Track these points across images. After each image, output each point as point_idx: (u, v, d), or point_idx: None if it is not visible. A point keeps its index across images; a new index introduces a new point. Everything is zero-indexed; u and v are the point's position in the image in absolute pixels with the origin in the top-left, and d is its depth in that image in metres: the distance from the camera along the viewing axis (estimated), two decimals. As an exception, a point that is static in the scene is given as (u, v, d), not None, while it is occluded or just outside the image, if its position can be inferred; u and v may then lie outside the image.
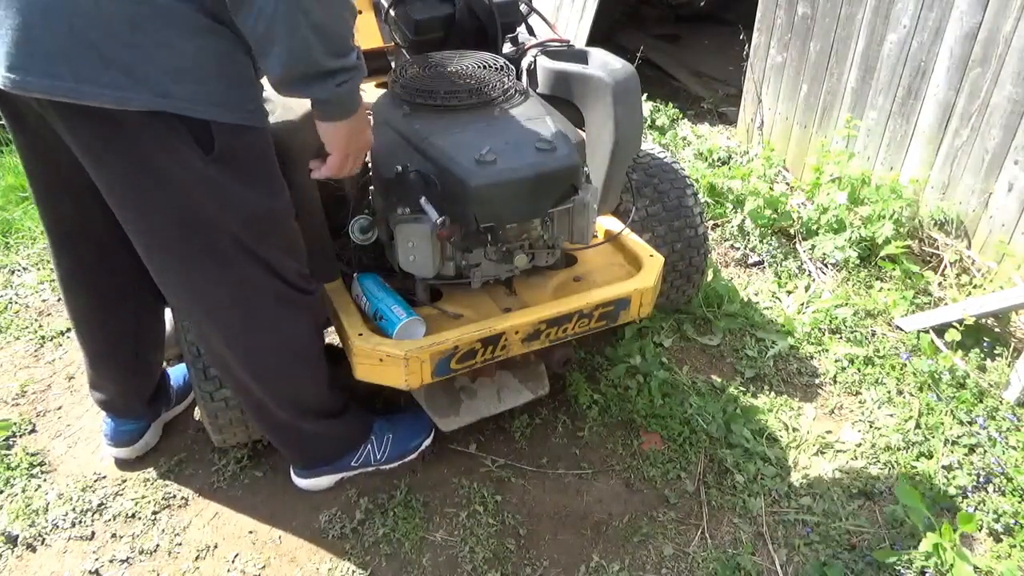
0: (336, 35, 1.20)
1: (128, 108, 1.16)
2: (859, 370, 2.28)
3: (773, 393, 2.20)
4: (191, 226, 1.33)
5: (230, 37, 1.21)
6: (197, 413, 2.04)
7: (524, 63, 1.94)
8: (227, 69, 1.23)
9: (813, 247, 2.84)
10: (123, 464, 1.90)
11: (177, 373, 2.06)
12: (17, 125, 1.38)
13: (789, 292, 2.68)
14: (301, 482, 1.83)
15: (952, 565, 1.60)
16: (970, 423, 2.07)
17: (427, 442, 1.89)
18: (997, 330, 2.46)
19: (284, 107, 1.46)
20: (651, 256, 1.89)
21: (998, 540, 1.78)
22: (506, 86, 1.73)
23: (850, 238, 2.76)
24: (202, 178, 1.28)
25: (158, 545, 1.71)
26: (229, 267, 1.40)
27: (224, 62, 1.22)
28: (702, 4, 5.25)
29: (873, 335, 2.44)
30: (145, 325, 1.77)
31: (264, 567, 1.68)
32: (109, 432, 1.87)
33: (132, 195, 1.30)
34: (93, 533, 1.73)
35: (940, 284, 2.67)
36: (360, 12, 1.85)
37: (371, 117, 1.61)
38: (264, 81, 1.32)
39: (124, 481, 1.86)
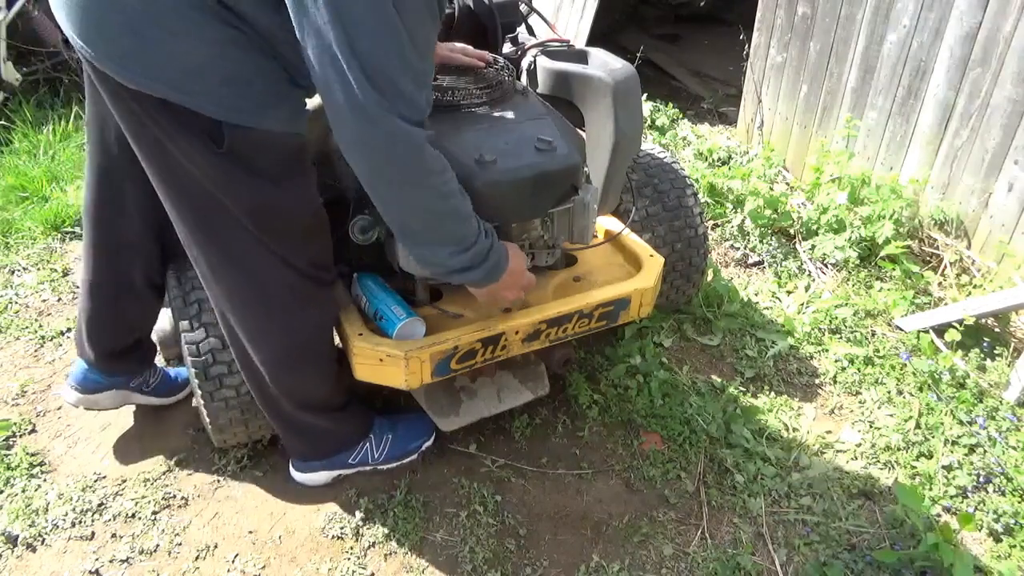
0: (434, 260, 1.41)
1: (150, 93, 1.22)
2: (859, 370, 2.28)
3: (773, 393, 2.20)
4: (204, 208, 1.38)
5: (257, 48, 1.24)
6: (192, 403, 2.04)
7: (524, 63, 1.94)
8: (245, 76, 1.25)
9: (813, 247, 2.84)
10: (121, 458, 1.90)
11: (175, 371, 2.07)
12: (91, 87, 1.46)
13: (789, 292, 2.68)
14: (298, 476, 1.84)
15: (952, 565, 1.60)
16: (970, 423, 2.07)
17: (427, 444, 1.89)
18: (997, 330, 2.46)
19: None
20: (651, 256, 1.89)
21: (998, 540, 1.78)
22: (506, 86, 1.73)
23: (850, 238, 2.76)
24: (211, 166, 1.31)
25: (158, 545, 1.71)
26: (242, 252, 1.43)
27: (244, 70, 1.25)
28: (702, 4, 5.25)
29: (873, 335, 2.44)
30: (131, 283, 1.77)
31: (264, 567, 1.68)
32: (74, 372, 1.88)
33: (157, 171, 1.37)
34: (93, 533, 1.73)
35: (940, 284, 2.67)
36: None
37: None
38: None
39: (124, 481, 1.86)
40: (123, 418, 2.04)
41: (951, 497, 1.87)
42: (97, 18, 1.21)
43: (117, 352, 1.86)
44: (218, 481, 1.87)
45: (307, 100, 1.44)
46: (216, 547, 1.72)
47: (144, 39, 1.19)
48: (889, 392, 2.19)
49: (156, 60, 1.20)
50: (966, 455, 1.99)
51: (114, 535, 1.73)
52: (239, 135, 1.28)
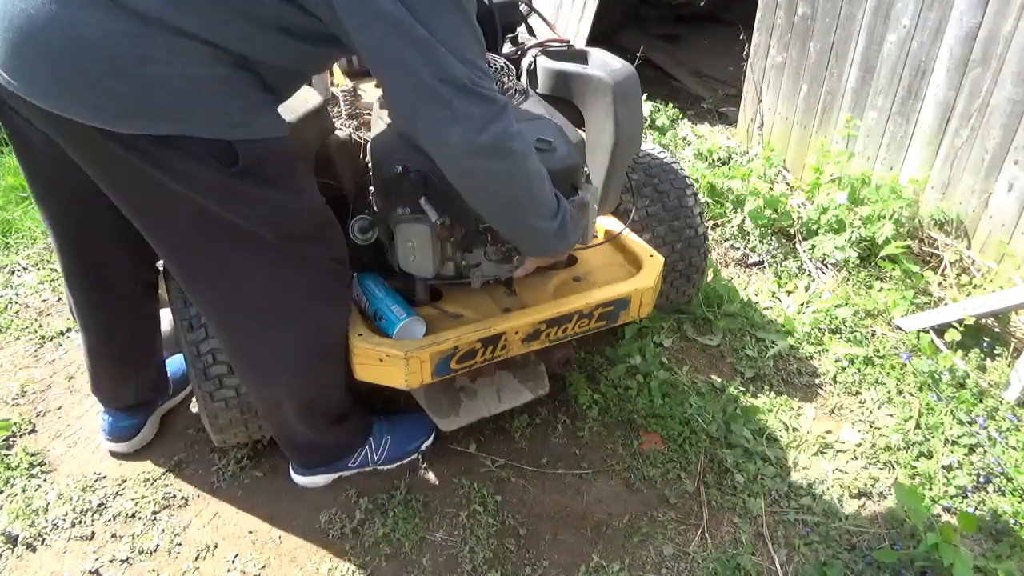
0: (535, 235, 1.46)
1: (145, 133, 1.18)
2: (859, 370, 2.28)
3: (773, 393, 2.20)
4: (218, 233, 1.35)
5: (235, 64, 1.22)
6: (194, 406, 2.04)
7: (524, 63, 1.94)
8: (241, 90, 1.24)
9: (813, 247, 2.84)
10: (121, 457, 1.91)
11: (174, 364, 2.06)
12: (10, 127, 1.40)
13: (789, 292, 2.68)
14: (299, 479, 1.84)
15: (952, 565, 1.60)
16: (970, 423, 2.07)
17: (427, 444, 1.90)
18: (997, 330, 2.46)
19: (284, 107, 1.46)
20: (651, 256, 1.88)
21: (998, 540, 1.78)
22: (506, 86, 1.73)
23: (850, 238, 2.76)
24: (223, 189, 1.28)
25: (158, 545, 1.71)
26: (259, 265, 1.42)
27: (238, 86, 1.23)
28: (702, 4, 5.26)
29: (873, 335, 2.44)
30: (142, 319, 1.78)
31: (264, 567, 1.68)
32: (107, 427, 1.88)
33: (155, 214, 1.34)
34: (93, 533, 1.73)
35: (940, 284, 2.67)
36: None
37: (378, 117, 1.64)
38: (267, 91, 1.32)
39: (124, 481, 1.86)
40: (123, 418, 2.04)
41: (951, 497, 1.87)
42: (64, 65, 1.12)
43: (149, 389, 1.91)
44: (218, 481, 1.87)
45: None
46: (216, 547, 1.72)
47: (134, 79, 1.13)
48: (889, 392, 2.19)
49: (155, 99, 1.16)
50: (966, 455, 1.99)
51: (114, 535, 1.73)
52: (251, 149, 1.26)
